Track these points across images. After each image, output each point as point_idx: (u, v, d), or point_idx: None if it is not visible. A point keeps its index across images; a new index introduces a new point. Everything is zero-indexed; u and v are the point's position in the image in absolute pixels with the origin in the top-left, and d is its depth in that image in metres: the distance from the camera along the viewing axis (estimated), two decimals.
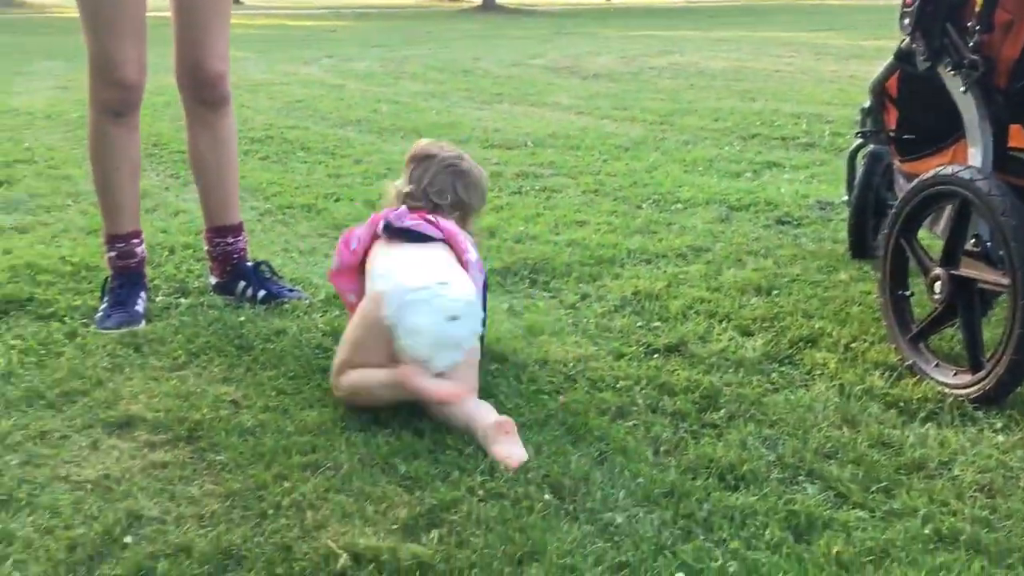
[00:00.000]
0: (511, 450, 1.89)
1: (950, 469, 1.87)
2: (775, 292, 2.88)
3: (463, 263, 2.26)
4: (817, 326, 2.57)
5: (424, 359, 2.07)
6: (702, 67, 9.49)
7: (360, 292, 2.29)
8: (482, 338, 2.27)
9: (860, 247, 3.16)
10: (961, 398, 2.14)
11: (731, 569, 1.54)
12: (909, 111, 2.64)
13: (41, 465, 1.91)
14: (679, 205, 3.99)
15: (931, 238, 2.49)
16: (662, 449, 1.95)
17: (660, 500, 1.75)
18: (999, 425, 2.05)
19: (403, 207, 2.36)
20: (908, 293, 2.41)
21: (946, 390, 2.18)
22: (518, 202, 4.08)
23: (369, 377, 2.08)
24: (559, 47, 12.38)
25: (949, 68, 2.32)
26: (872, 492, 1.79)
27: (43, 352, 2.46)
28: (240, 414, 2.11)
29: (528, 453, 1.90)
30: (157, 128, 5.89)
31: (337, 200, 4.17)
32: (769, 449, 1.95)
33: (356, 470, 1.85)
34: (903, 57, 2.50)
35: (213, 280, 2.96)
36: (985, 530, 1.65)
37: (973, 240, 2.24)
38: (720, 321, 2.64)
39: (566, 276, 3.07)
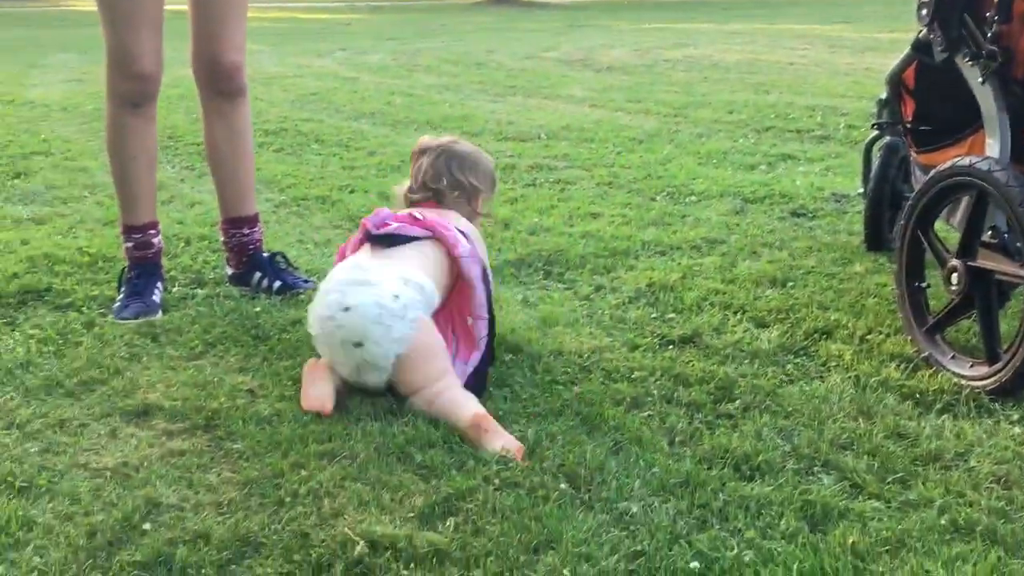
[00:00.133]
0: (502, 442, 1.89)
1: (966, 460, 1.87)
2: (790, 284, 2.87)
3: (454, 258, 2.23)
4: (832, 318, 2.57)
5: (354, 380, 2.10)
6: (716, 60, 9.45)
7: None
8: (492, 326, 2.26)
9: (876, 239, 3.15)
10: (977, 390, 2.13)
11: (746, 558, 1.54)
12: (926, 102, 2.63)
13: (60, 453, 1.93)
14: (693, 197, 3.98)
15: (948, 230, 2.48)
16: (677, 439, 1.96)
17: (675, 490, 1.75)
18: (1016, 417, 2.04)
19: (384, 210, 2.34)
20: (924, 285, 2.41)
21: (962, 382, 2.17)
22: (532, 194, 4.09)
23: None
24: (573, 40, 12.35)
25: (967, 59, 2.30)
26: (888, 483, 1.78)
27: (61, 342, 2.48)
28: (257, 403, 2.13)
29: (543, 442, 1.91)
30: (172, 120, 5.92)
31: (351, 192, 4.18)
32: (784, 440, 1.95)
33: (372, 459, 1.86)
34: (920, 48, 2.49)
35: (229, 271, 2.98)
36: (1001, 521, 1.65)
37: (990, 231, 2.23)
38: (735, 313, 2.64)
39: (580, 268, 3.07)
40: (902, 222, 2.42)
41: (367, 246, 2.29)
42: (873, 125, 3.04)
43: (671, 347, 2.43)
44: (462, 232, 2.31)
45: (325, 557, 1.56)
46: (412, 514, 1.67)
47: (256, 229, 2.97)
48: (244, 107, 2.89)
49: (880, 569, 1.52)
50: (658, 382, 2.21)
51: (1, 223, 3.68)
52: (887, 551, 1.57)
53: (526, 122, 5.94)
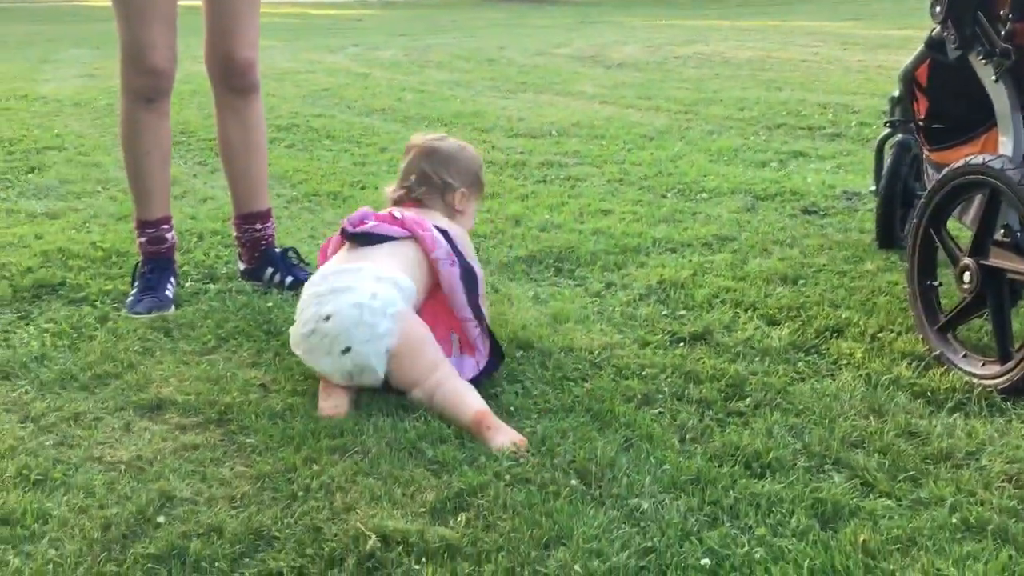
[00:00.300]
0: (508, 439, 1.90)
1: (978, 459, 1.87)
2: (801, 282, 2.87)
3: (431, 262, 2.21)
4: (843, 316, 2.57)
5: (347, 385, 2.09)
6: (727, 56, 9.43)
7: None
8: (483, 323, 2.24)
9: (887, 237, 3.14)
10: (989, 389, 2.13)
11: (757, 555, 1.55)
12: (939, 100, 2.62)
13: (75, 446, 1.94)
14: (704, 194, 3.98)
15: (960, 228, 2.48)
16: (688, 436, 1.96)
17: (686, 487, 1.75)
18: None
19: (366, 209, 2.33)
20: (936, 283, 2.40)
21: (974, 380, 2.17)
22: (543, 191, 4.09)
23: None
24: (584, 36, 12.34)
25: (980, 57, 2.30)
26: (899, 481, 1.78)
27: (75, 336, 2.50)
28: (269, 398, 2.14)
29: (554, 438, 1.91)
30: (184, 116, 5.94)
31: (363, 188, 4.19)
32: (795, 437, 1.95)
33: (384, 454, 1.86)
34: (934, 45, 2.48)
35: (241, 266, 2.99)
36: (1013, 520, 1.65)
37: (1003, 230, 2.23)
38: (746, 310, 2.64)
39: (591, 264, 3.07)
40: (914, 220, 2.42)
41: (345, 246, 2.28)
42: (886, 123, 3.03)
43: (682, 344, 2.43)
44: (443, 231, 2.28)
45: (337, 551, 1.57)
46: (424, 509, 1.68)
47: (268, 224, 2.98)
48: (257, 103, 2.90)
49: (891, 567, 1.52)
50: (669, 379, 2.22)
51: (15, 218, 3.70)
52: (898, 549, 1.57)
53: (537, 119, 5.94)
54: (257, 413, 2.05)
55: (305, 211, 3.85)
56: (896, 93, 2.86)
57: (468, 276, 2.25)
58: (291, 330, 2.20)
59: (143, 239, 2.84)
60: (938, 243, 2.38)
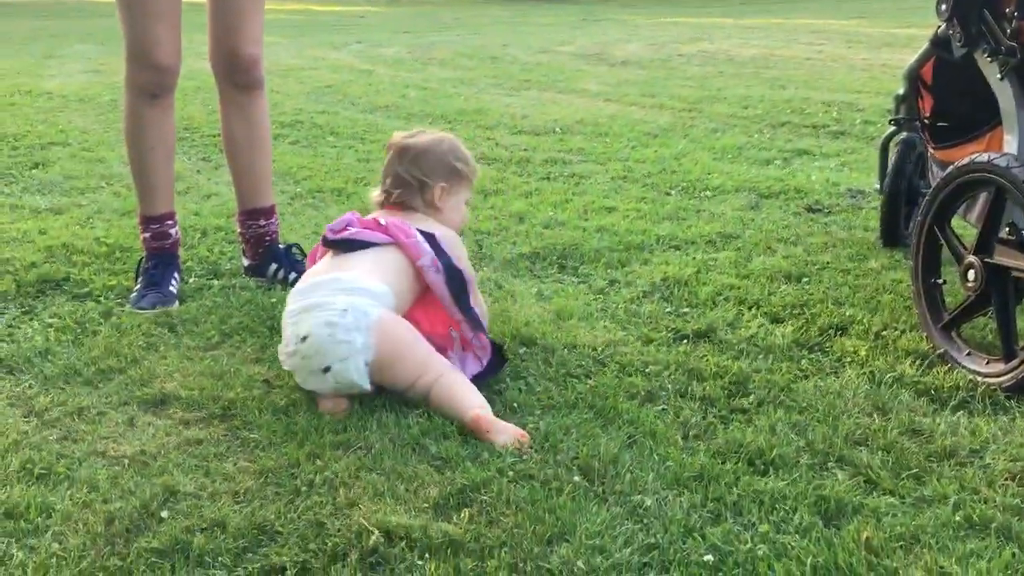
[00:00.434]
0: (509, 437, 1.90)
1: (981, 457, 1.87)
2: (805, 280, 2.87)
3: (416, 269, 2.18)
4: (847, 314, 2.57)
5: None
6: (731, 54, 9.42)
7: None
8: (477, 325, 2.22)
9: (892, 235, 3.14)
10: (993, 387, 2.13)
11: (760, 552, 1.55)
12: (944, 98, 2.61)
13: (79, 440, 1.95)
14: (708, 192, 3.98)
15: (964, 226, 2.47)
16: (691, 433, 1.96)
17: (689, 483, 1.75)
18: None
19: (351, 214, 2.28)
20: (941, 281, 2.40)
21: (978, 379, 2.17)
22: (547, 188, 4.09)
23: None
24: (588, 34, 12.33)
25: (986, 55, 2.29)
26: (902, 479, 1.78)
27: (79, 331, 2.50)
28: (272, 393, 2.14)
29: (557, 435, 1.91)
30: (188, 112, 5.94)
31: (366, 184, 4.18)
32: (799, 435, 1.95)
33: (387, 450, 1.87)
34: (939, 43, 2.48)
35: (245, 262, 3.00)
36: (1016, 518, 1.65)
37: (1008, 228, 2.23)
38: (749, 308, 2.64)
39: (595, 262, 3.07)
40: (919, 218, 2.41)
41: (328, 253, 2.25)
42: (890, 121, 3.03)
43: (685, 341, 2.43)
44: (429, 235, 2.23)
45: (340, 546, 1.57)
46: (427, 505, 1.68)
47: (272, 221, 2.98)
48: (261, 99, 2.90)
49: (894, 564, 1.52)
50: (672, 376, 2.22)
51: (19, 213, 3.71)
52: (901, 547, 1.57)
53: (540, 116, 5.94)
54: (260, 408, 2.05)
55: (309, 207, 3.85)
56: (901, 91, 2.85)
57: (454, 281, 2.20)
58: (279, 348, 2.18)
59: (147, 235, 2.84)
60: (942, 241, 2.37)
